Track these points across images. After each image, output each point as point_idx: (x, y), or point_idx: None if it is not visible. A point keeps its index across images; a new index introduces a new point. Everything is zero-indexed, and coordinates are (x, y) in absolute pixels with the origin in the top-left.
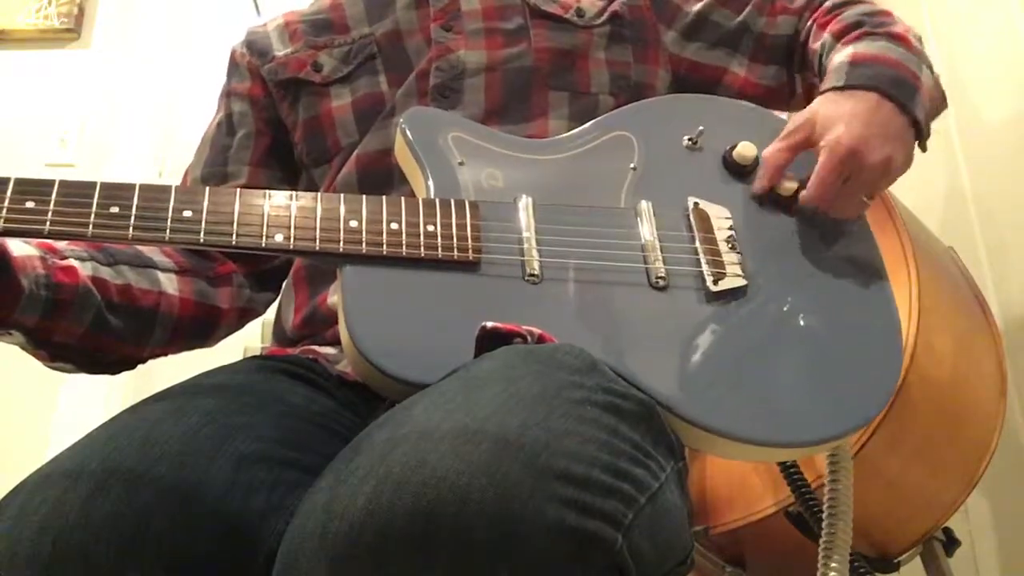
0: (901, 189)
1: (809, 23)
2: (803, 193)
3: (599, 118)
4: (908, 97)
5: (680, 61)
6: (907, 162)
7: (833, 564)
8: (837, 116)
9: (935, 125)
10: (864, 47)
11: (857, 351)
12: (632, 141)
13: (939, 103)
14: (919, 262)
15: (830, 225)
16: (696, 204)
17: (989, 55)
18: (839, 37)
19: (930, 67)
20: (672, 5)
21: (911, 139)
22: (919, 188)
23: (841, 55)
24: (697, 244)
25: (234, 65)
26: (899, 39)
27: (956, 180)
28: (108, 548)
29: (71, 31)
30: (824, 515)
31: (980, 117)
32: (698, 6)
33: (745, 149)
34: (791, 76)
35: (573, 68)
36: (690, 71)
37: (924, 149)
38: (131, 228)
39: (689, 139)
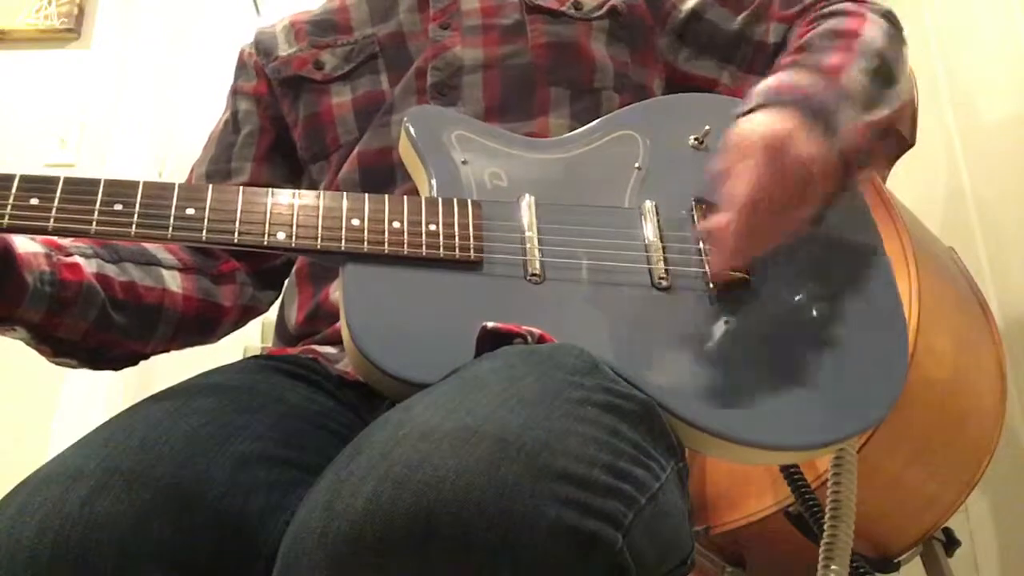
0: (901, 189)
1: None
2: (734, 195)
3: (605, 117)
4: (820, 114)
5: (673, 70)
6: (830, 173)
7: (834, 567)
8: (748, 130)
9: (934, 124)
10: (785, 77)
11: (862, 352)
12: (637, 140)
13: (880, 134)
14: (919, 262)
15: (836, 225)
16: (701, 204)
17: (989, 55)
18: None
19: (878, 93)
20: (667, 2)
21: (830, 150)
22: (919, 188)
23: (760, 85)
24: (701, 245)
25: (241, 64)
26: (828, 72)
27: (956, 180)
28: (108, 548)
29: (71, 31)
30: (826, 517)
31: (980, 117)
32: (692, 3)
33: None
34: None
35: (573, 62)
36: (682, 81)
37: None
38: (134, 225)
39: (695, 139)
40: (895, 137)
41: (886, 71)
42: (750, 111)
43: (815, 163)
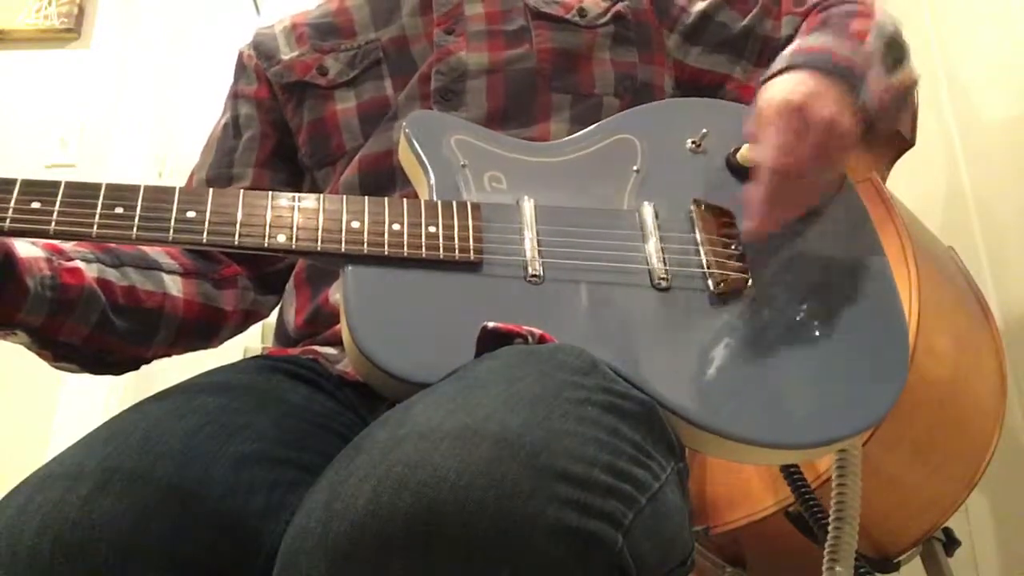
0: (901, 189)
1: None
2: (762, 160)
3: (602, 121)
4: (845, 75)
5: (683, 68)
6: (852, 131)
7: (839, 569)
8: (772, 94)
9: (934, 124)
10: (811, 40)
11: (862, 352)
12: (635, 144)
13: (900, 99)
14: (919, 262)
15: (834, 226)
16: (699, 206)
17: (989, 55)
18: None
19: (893, 65)
20: (675, 6)
21: (854, 108)
22: (919, 188)
23: (787, 49)
24: (700, 246)
25: (241, 67)
26: (852, 36)
27: (956, 180)
28: (108, 548)
29: (71, 31)
30: (831, 517)
31: (980, 117)
32: (702, 5)
33: (748, 152)
34: None
35: (576, 69)
36: (693, 77)
37: (876, 134)
38: (135, 228)
39: (692, 142)
40: (907, 112)
41: (899, 46)
42: (776, 74)
43: (837, 123)
